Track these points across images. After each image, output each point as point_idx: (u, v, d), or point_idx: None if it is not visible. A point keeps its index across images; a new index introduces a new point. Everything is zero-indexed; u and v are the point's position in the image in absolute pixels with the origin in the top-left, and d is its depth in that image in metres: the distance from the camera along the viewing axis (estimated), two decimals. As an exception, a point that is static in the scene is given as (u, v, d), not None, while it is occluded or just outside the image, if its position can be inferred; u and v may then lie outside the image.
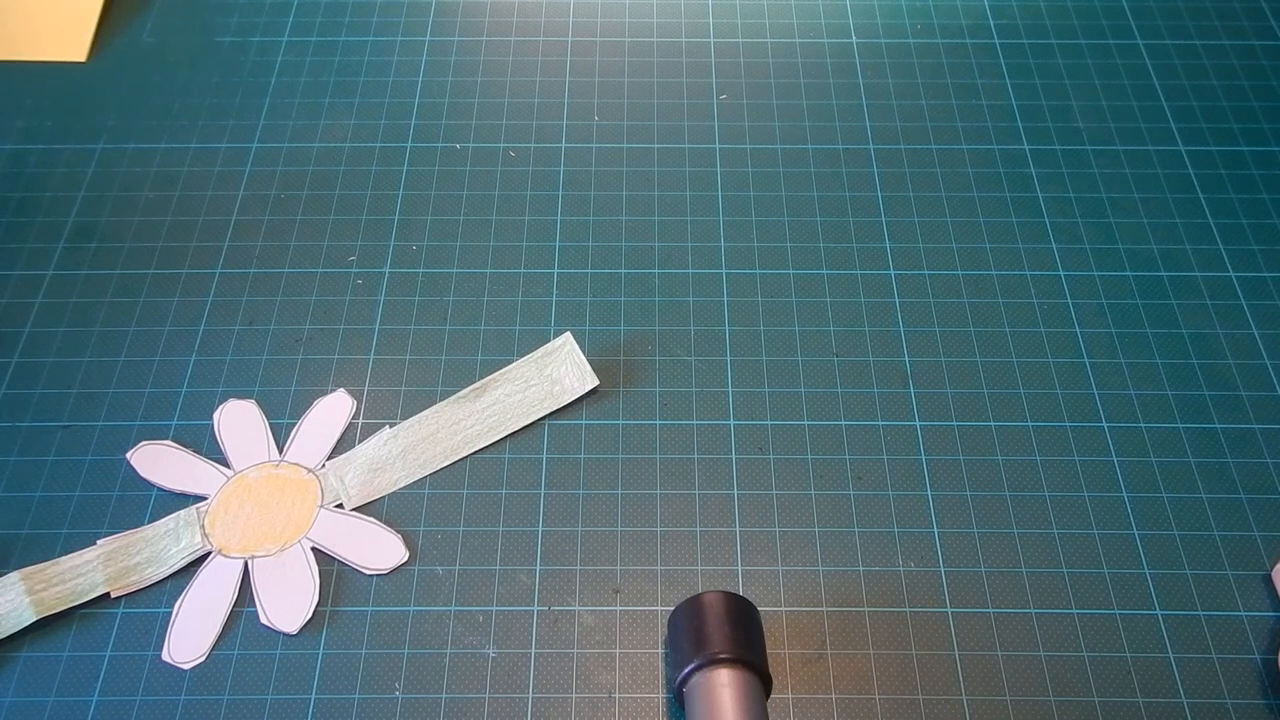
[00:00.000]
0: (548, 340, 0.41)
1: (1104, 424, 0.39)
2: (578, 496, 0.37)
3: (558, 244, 0.44)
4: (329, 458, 0.38)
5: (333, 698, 0.33)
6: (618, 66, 0.50)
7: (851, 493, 0.37)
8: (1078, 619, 0.35)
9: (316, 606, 0.35)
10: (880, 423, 0.39)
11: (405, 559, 0.36)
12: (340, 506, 0.37)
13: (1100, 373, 0.40)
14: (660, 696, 0.33)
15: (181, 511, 0.36)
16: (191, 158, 0.47)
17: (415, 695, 0.33)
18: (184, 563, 0.35)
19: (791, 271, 0.43)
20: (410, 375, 0.40)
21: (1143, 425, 0.39)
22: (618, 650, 0.34)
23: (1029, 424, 0.39)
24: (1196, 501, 0.37)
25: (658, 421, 0.39)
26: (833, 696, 0.33)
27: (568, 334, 0.40)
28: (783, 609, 0.35)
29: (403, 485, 0.37)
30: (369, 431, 0.39)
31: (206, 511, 0.37)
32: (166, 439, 0.38)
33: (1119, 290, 0.42)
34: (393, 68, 0.50)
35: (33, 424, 0.39)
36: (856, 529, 0.36)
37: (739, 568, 0.36)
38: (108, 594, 0.35)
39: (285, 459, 0.38)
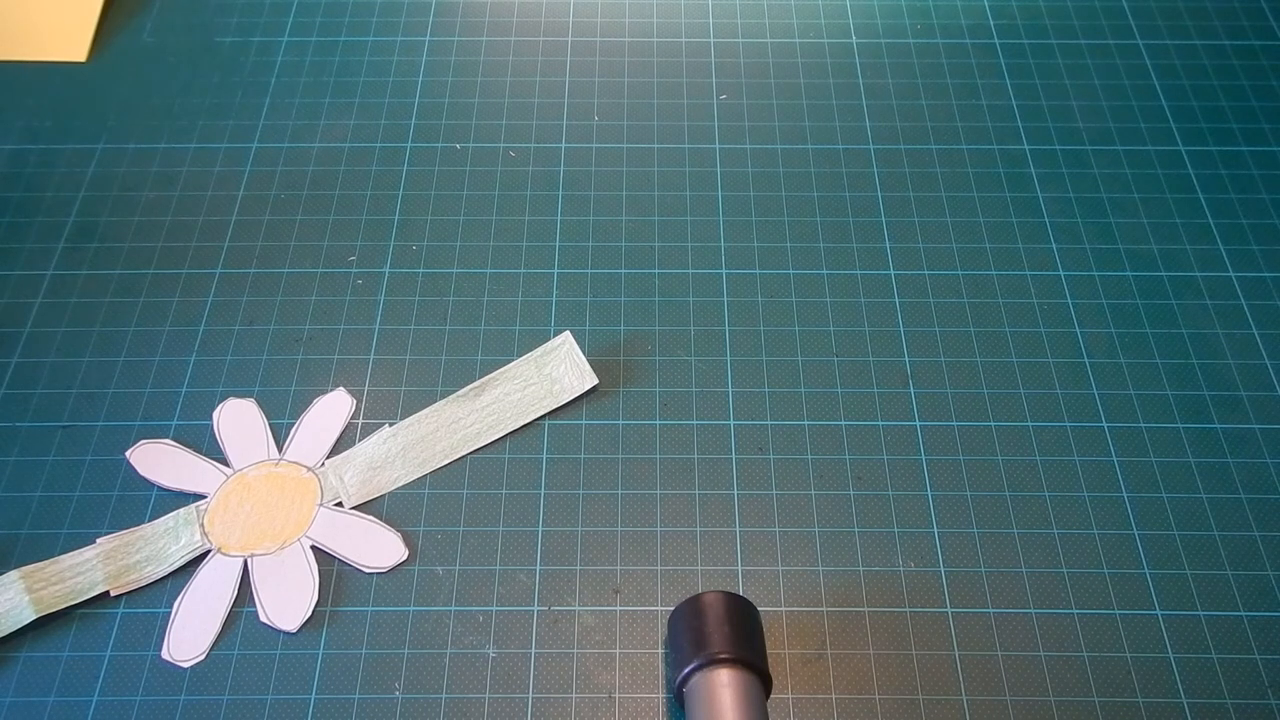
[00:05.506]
0: (548, 340, 0.41)
1: (1104, 424, 0.39)
2: (578, 496, 0.37)
3: (558, 244, 0.44)
4: (328, 456, 0.38)
5: (333, 698, 0.33)
6: (618, 66, 0.50)
7: (851, 493, 0.37)
8: (1078, 619, 0.35)
9: (316, 606, 0.35)
10: (880, 423, 0.39)
11: (405, 557, 0.36)
12: (340, 505, 0.37)
13: (1100, 373, 0.40)
14: (660, 696, 0.33)
15: (181, 510, 0.36)
16: (191, 158, 0.47)
17: (415, 695, 0.33)
18: (183, 561, 0.35)
19: (791, 271, 0.43)
20: (410, 375, 0.40)
21: (1143, 425, 0.39)
22: (618, 650, 0.34)
23: (1029, 424, 0.39)
24: (1196, 501, 0.37)
25: (658, 421, 0.39)
26: (833, 696, 0.33)
27: (567, 333, 0.40)
28: (783, 609, 0.35)
29: (402, 484, 0.37)
30: (368, 431, 0.39)
31: (206, 510, 0.37)
32: (166, 438, 0.38)
33: (1119, 290, 0.42)
34: (393, 68, 0.50)
35: (33, 424, 0.39)
36: (856, 529, 0.36)
37: (739, 568, 0.36)
38: (107, 593, 0.35)
39: (285, 458, 0.38)
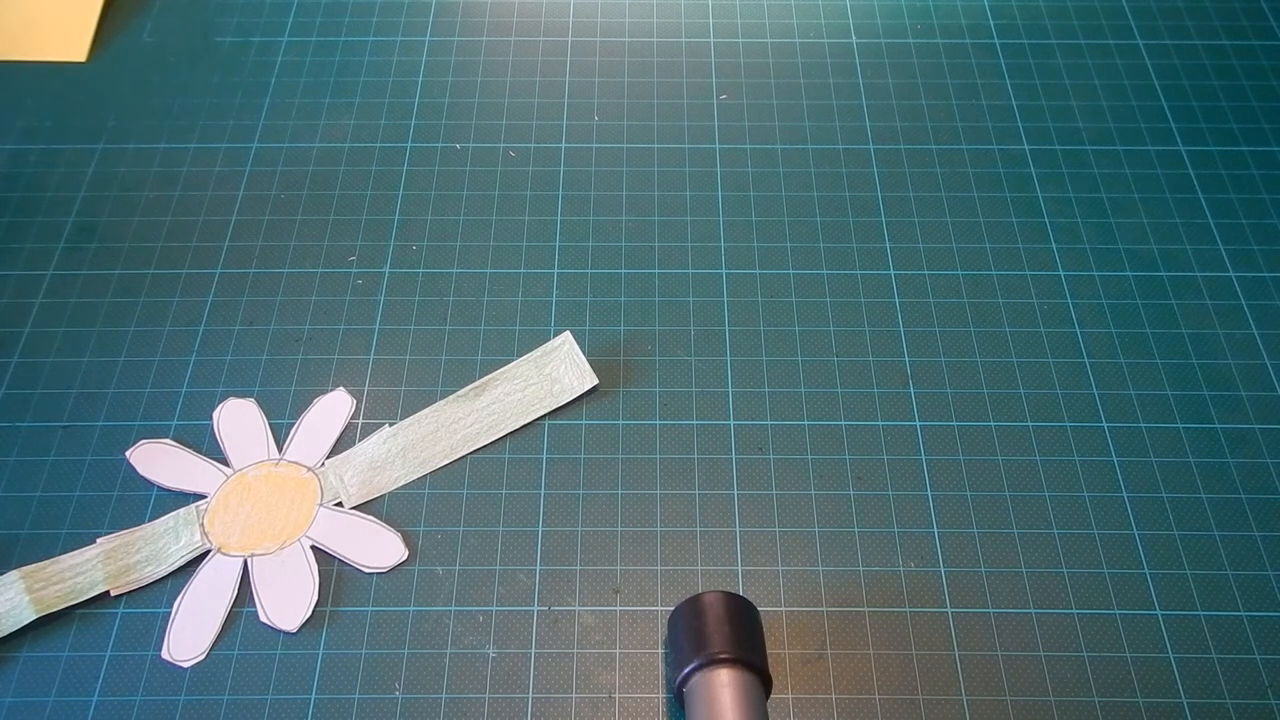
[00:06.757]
0: (548, 340, 0.41)
1: (1104, 424, 0.39)
2: (578, 496, 0.37)
3: (558, 244, 0.44)
4: (328, 456, 0.38)
5: (333, 698, 0.33)
6: (618, 66, 0.50)
7: (851, 493, 0.37)
8: (1078, 619, 0.35)
9: (316, 606, 0.35)
10: (880, 423, 0.39)
11: (405, 557, 0.36)
12: (340, 505, 0.37)
13: (1100, 373, 0.40)
14: (660, 696, 0.33)
15: (181, 510, 0.36)
16: (191, 158, 0.47)
17: (415, 695, 0.33)
18: (183, 561, 0.35)
19: (791, 271, 0.43)
20: (410, 375, 0.40)
21: (1143, 425, 0.39)
22: (618, 650, 0.34)
23: (1029, 424, 0.39)
24: (1196, 501, 0.37)
25: (658, 421, 0.39)
26: (833, 696, 0.33)
27: (567, 333, 0.40)
28: (783, 609, 0.35)
29: (402, 484, 0.37)
30: (368, 431, 0.39)
31: (206, 510, 0.37)
32: (166, 438, 0.38)
33: (1119, 290, 0.42)
34: (393, 68, 0.50)
35: (33, 424, 0.39)
36: (856, 529, 0.36)
37: (739, 568, 0.36)
38: (107, 593, 0.35)
39: (285, 457, 0.38)
